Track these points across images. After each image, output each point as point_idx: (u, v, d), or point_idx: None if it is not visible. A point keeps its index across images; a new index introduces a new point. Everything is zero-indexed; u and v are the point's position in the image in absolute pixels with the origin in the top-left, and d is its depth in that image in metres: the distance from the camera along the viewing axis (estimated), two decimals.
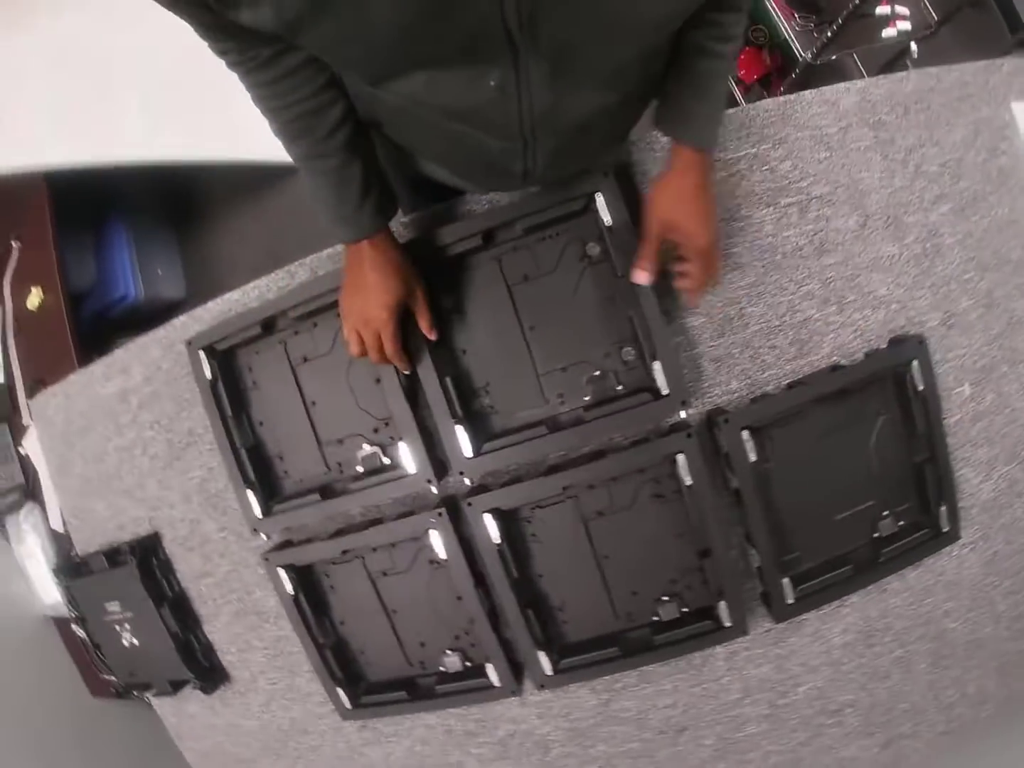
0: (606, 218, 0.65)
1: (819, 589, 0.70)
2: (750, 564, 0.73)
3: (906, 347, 0.68)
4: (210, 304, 0.83)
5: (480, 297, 0.71)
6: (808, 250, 0.70)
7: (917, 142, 0.72)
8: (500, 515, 0.69)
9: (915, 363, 0.66)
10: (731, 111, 0.69)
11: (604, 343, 0.70)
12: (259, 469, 0.77)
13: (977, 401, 0.73)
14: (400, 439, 0.69)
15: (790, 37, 1.08)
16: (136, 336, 0.88)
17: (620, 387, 0.70)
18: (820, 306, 0.70)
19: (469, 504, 0.68)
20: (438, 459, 0.70)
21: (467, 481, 0.70)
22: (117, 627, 0.91)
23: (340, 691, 0.79)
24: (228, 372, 0.77)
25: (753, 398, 0.70)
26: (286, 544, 0.79)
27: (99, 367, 0.89)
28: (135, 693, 0.96)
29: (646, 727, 0.79)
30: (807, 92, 0.70)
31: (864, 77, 0.86)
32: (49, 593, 1.16)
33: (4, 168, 1.10)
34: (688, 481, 0.66)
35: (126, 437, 0.89)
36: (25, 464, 1.25)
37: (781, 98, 0.70)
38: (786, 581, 0.69)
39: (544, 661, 0.72)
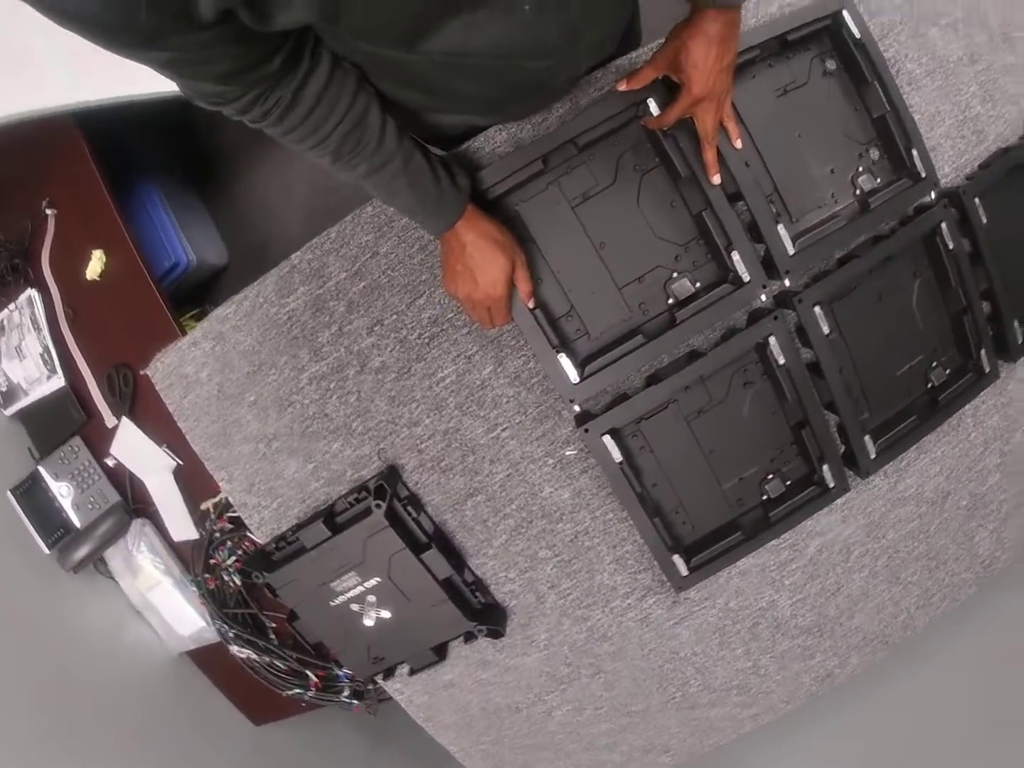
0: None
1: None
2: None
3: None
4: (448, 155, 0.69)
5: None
6: (965, 61, 0.83)
7: None
8: (826, 308, 0.70)
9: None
10: None
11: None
12: (555, 332, 0.68)
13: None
14: (727, 247, 0.67)
15: None
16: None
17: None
18: (982, 103, 0.84)
19: (800, 301, 0.69)
20: (766, 261, 0.69)
21: (789, 280, 0.70)
22: (355, 606, 0.73)
23: (677, 558, 0.73)
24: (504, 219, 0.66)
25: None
26: (587, 416, 0.71)
27: (269, 284, 0.71)
28: (371, 687, 0.78)
29: (922, 500, 0.86)
30: None
31: None
32: (187, 622, 0.87)
33: (30, 110, 0.80)
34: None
35: (330, 359, 0.72)
36: (116, 476, 0.93)
37: None
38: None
39: (870, 444, 0.75)
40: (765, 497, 0.76)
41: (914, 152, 0.75)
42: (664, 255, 0.70)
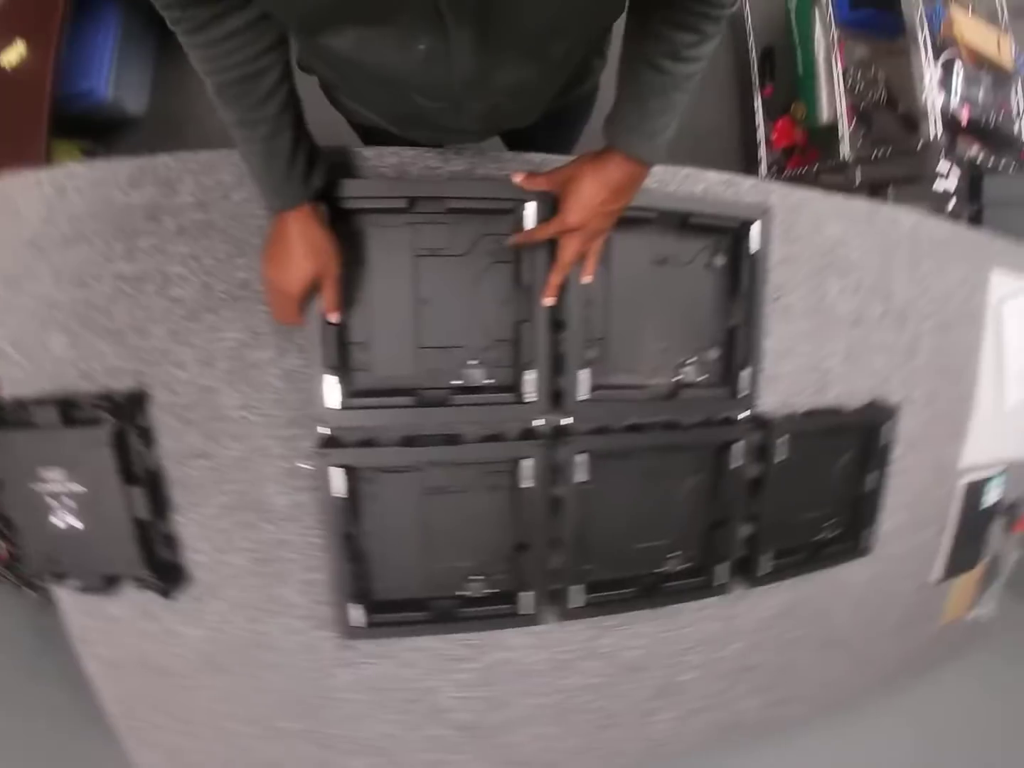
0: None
1: (782, 567, 0.90)
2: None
3: (885, 412, 0.93)
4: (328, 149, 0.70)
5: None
6: (849, 319, 0.91)
7: (931, 271, 0.98)
8: (593, 456, 0.74)
9: (886, 426, 0.93)
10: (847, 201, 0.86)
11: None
12: (339, 353, 0.69)
13: (901, 460, 1.01)
14: (525, 364, 0.69)
15: (841, 136, 1.33)
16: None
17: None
18: (841, 362, 0.92)
19: (568, 443, 0.72)
20: (557, 392, 0.72)
21: (571, 419, 0.73)
22: (50, 500, 0.71)
23: (353, 608, 0.74)
24: (338, 232, 0.67)
25: (786, 415, 0.88)
26: (334, 442, 0.72)
27: (127, 167, 0.69)
28: (39, 583, 0.76)
29: (613, 663, 0.91)
30: (883, 208, 0.93)
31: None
32: None
33: None
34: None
35: (139, 266, 0.71)
36: None
37: (870, 205, 0.90)
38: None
39: (578, 594, 0.79)
40: (462, 593, 0.79)
41: (745, 372, 0.80)
42: (474, 340, 0.73)
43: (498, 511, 0.77)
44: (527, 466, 0.72)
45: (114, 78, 1.09)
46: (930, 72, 1.24)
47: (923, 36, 1.25)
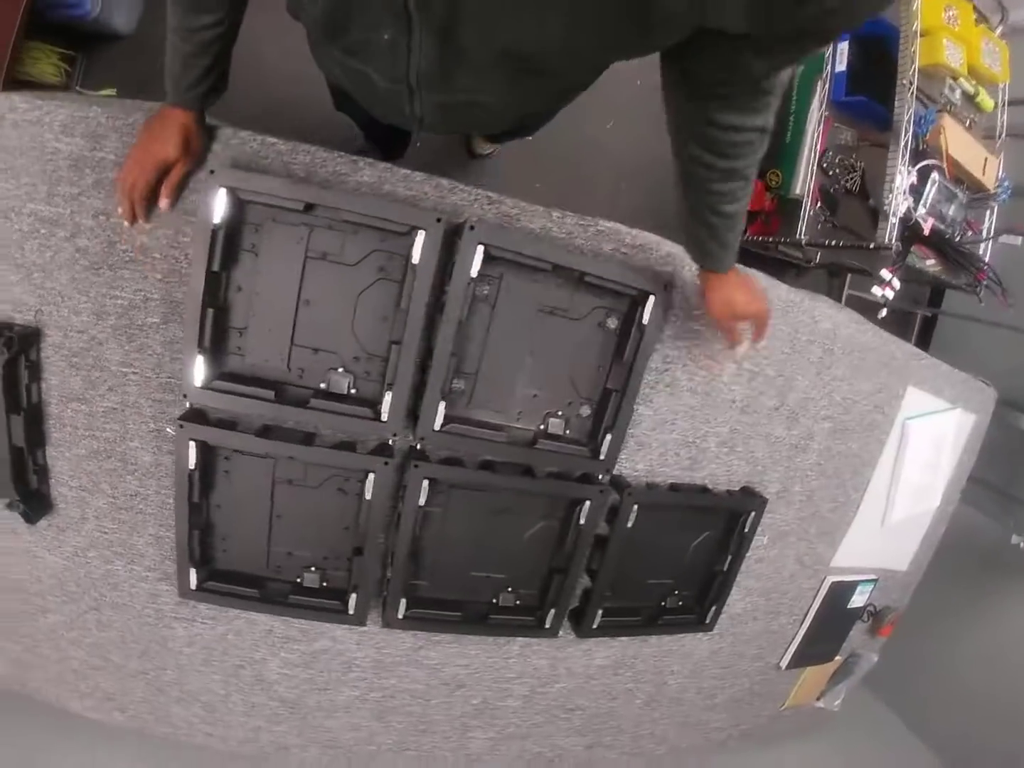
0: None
1: (614, 625, 0.94)
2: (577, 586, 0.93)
3: (753, 500, 0.95)
4: (245, 135, 0.74)
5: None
6: (737, 405, 0.93)
7: (841, 375, 1.00)
8: (431, 483, 0.78)
9: (752, 514, 0.93)
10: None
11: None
12: (215, 333, 0.73)
13: (767, 550, 1.04)
14: (388, 384, 0.73)
15: (803, 214, 1.34)
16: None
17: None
18: (719, 444, 0.94)
19: (416, 467, 0.75)
20: (415, 416, 0.76)
21: (419, 445, 0.77)
22: None
23: (192, 570, 0.79)
24: (233, 221, 0.71)
25: (648, 483, 0.91)
26: (199, 416, 0.76)
27: (63, 112, 0.73)
28: None
29: (436, 676, 0.96)
30: (806, 300, 0.93)
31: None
32: None
33: None
34: (582, 522, 0.83)
35: (56, 210, 0.75)
36: None
37: (790, 294, 0.91)
38: (600, 612, 0.90)
39: (402, 605, 0.83)
40: (298, 580, 0.83)
41: (609, 436, 0.82)
42: (347, 348, 0.76)
43: (341, 513, 0.81)
44: (371, 479, 0.76)
45: None
46: (903, 175, 1.23)
47: (906, 138, 1.24)
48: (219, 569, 0.83)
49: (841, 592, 1.16)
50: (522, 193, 0.81)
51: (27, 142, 0.74)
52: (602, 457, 0.83)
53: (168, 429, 0.79)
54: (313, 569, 0.83)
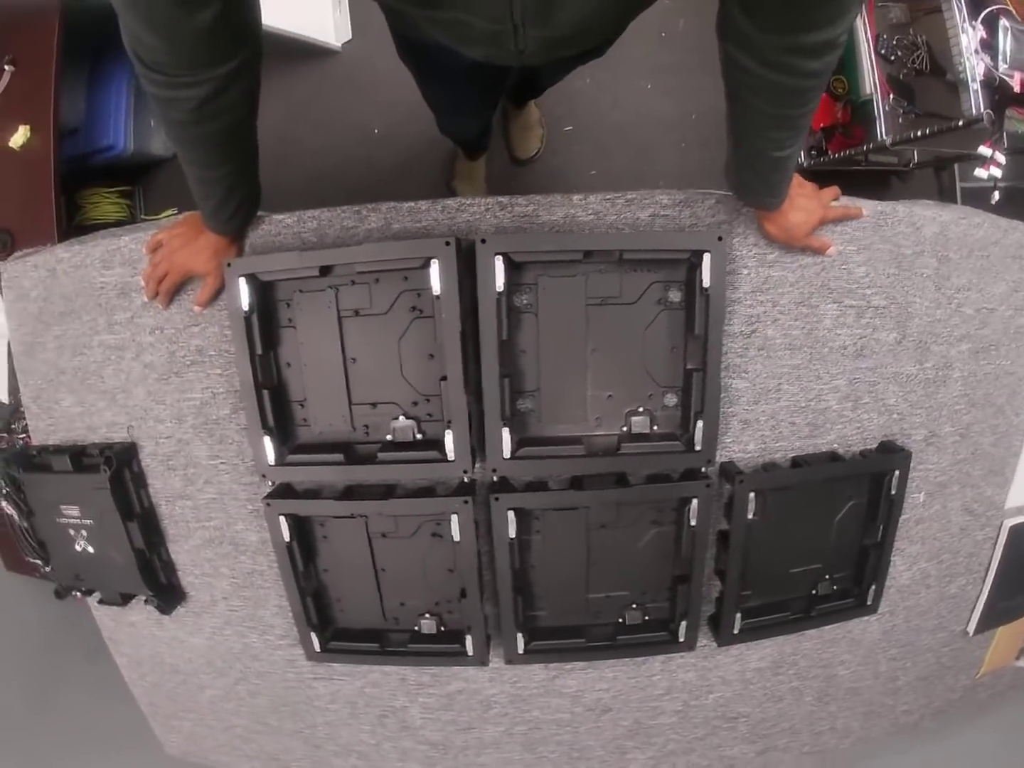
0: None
1: (759, 627, 0.83)
2: (710, 591, 0.84)
3: (894, 457, 0.79)
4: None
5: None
6: (850, 351, 0.78)
7: (967, 284, 0.81)
8: (518, 513, 0.73)
9: (896, 472, 0.78)
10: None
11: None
12: (278, 412, 0.74)
13: (926, 507, 0.87)
14: (447, 423, 0.69)
15: (878, 113, 1.12)
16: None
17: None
18: (841, 400, 0.79)
19: (496, 499, 0.71)
20: (475, 450, 0.72)
21: (495, 477, 0.73)
22: (71, 531, 0.85)
23: (312, 634, 0.81)
24: (264, 303, 0.72)
25: (763, 464, 0.79)
26: (287, 491, 0.77)
27: (98, 249, 0.79)
28: (75, 594, 0.92)
29: (579, 703, 0.91)
30: (900, 207, 0.76)
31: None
32: None
33: None
34: (694, 522, 0.74)
35: (118, 336, 0.80)
36: None
37: (879, 206, 0.74)
38: (739, 615, 0.80)
39: (519, 641, 0.79)
40: (416, 628, 0.82)
41: (700, 422, 0.73)
42: (403, 395, 0.73)
43: (442, 557, 0.79)
44: (454, 520, 0.72)
45: (133, 129, 1.21)
46: (968, 33, 0.98)
47: None
48: (341, 628, 0.85)
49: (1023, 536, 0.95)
50: (578, 186, 0.73)
51: (78, 284, 0.80)
52: (698, 447, 0.73)
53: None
54: (428, 616, 0.82)
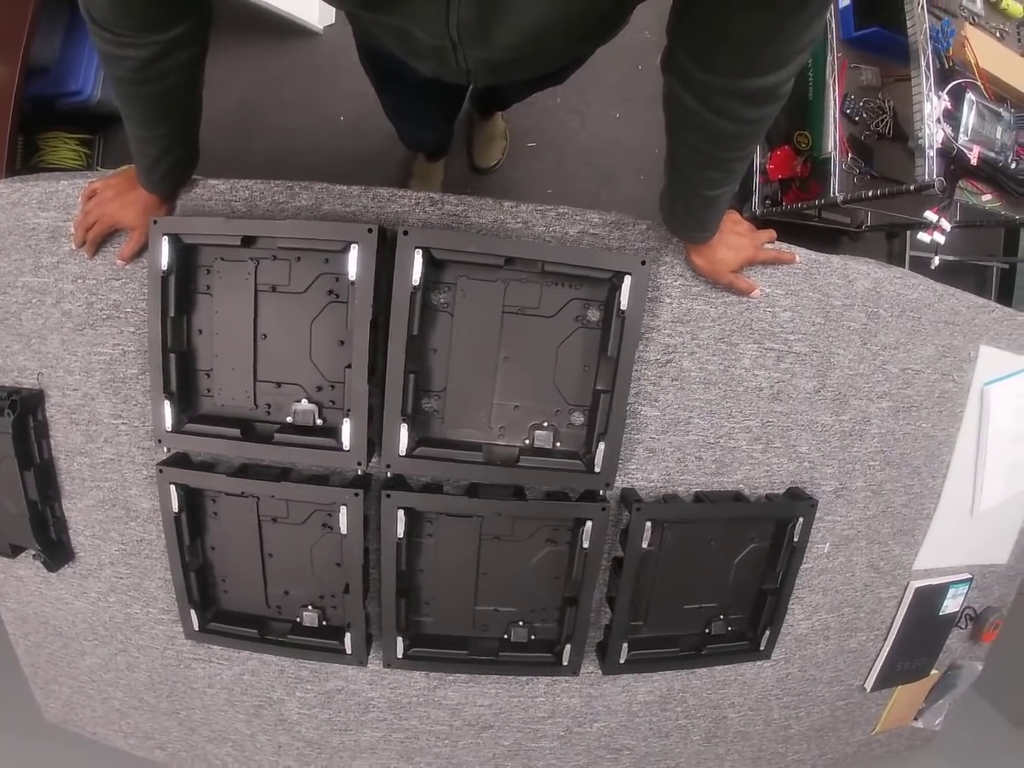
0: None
1: (648, 659, 0.82)
2: (600, 617, 0.83)
3: (800, 504, 0.79)
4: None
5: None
6: (766, 393, 0.79)
7: (894, 342, 0.82)
8: (409, 513, 0.72)
9: (801, 520, 0.78)
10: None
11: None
12: (182, 378, 0.73)
13: (830, 558, 0.87)
14: (347, 411, 0.69)
15: (834, 170, 1.15)
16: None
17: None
18: (751, 441, 0.79)
19: (388, 496, 0.70)
20: (372, 442, 0.71)
21: (389, 473, 0.72)
22: None
23: (192, 612, 0.79)
24: (184, 266, 0.71)
25: (664, 495, 0.78)
26: (183, 460, 0.76)
27: (37, 189, 0.78)
28: None
29: (459, 717, 0.89)
30: (835, 259, 0.77)
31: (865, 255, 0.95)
32: None
33: None
34: (586, 545, 0.73)
35: (41, 280, 0.79)
36: None
37: (813, 255, 0.76)
38: (625, 645, 0.79)
39: (400, 644, 0.77)
40: (298, 619, 0.80)
41: (603, 444, 0.72)
42: (309, 378, 0.73)
43: (331, 549, 0.77)
44: (343, 512, 0.71)
45: (102, 78, 1.21)
46: (932, 101, 1.01)
47: (925, 57, 1.02)
48: (224, 610, 0.82)
49: (930, 598, 0.95)
50: (530, 201, 0.74)
51: (13, 222, 0.79)
52: (598, 469, 0.72)
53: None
54: (311, 608, 0.80)
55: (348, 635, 0.78)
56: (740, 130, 0.53)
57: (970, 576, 0.98)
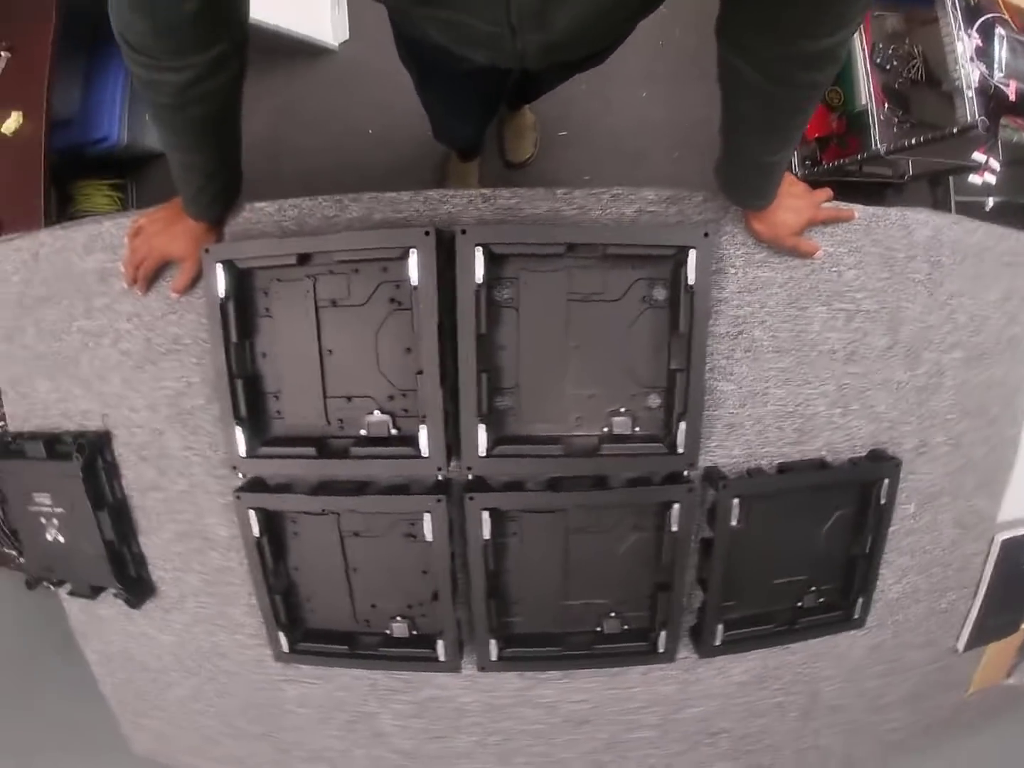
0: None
1: (742, 639, 0.80)
2: (692, 601, 0.81)
3: (884, 465, 0.77)
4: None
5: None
6: (840, 355, 0.76)
7: (959, 290, 0.79)
8: (493, 513, 0.71)
9: (886, 481, 0.76)
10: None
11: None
12: (251, 403, 0.72)
13: (916, 518, 0.85)
14: (422, 417, 0.68)
15: (872, 122, 1.12)
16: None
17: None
18: (830, 406, 0.77)
19: (471, 499, 0.69)
20: (450, 447, 0.70)
21: (471, 475, 0.71)
22: (43, 520, 0.84)
23: (281, 634, 0.79)
24: (241, 291, 0.71)
25: (748, 470, 0.76)
26: (258, 484, 0.76)
27: (81, 234, 0.78)
28: (47, 585, 0.90)
29: (555, 714, 0.88)
30: (893, 212, 0.74)
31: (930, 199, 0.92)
32: None
33: None
34: (675, 528, 0.72)
35: (96, 322, 0.79)
36: None
37: (871, 210, 0.73)
38: (720, 626, 0.78)
39: (493, 647, 0.76)
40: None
41: (683, 424, 0.71)
42: (379, 389, 0.72)
43: (416, 558, 0.77)
44: (427, 520, 0.70)
45: (127, 122, 1.22)
46: (963, 41, 0.97)
47: None
48: (311, 629, 0.82)
49: (1017, 549, 0.92)
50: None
51: (60, 269, 0.80)
52: (681, 450, 0.71)
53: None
54: (400, 619, 0.80)
55: (440, 642, 0.77)
56: (799, 95, 0.51)
57: None
